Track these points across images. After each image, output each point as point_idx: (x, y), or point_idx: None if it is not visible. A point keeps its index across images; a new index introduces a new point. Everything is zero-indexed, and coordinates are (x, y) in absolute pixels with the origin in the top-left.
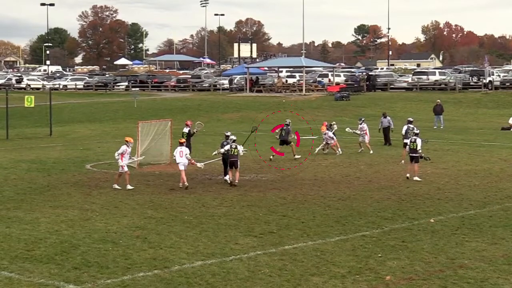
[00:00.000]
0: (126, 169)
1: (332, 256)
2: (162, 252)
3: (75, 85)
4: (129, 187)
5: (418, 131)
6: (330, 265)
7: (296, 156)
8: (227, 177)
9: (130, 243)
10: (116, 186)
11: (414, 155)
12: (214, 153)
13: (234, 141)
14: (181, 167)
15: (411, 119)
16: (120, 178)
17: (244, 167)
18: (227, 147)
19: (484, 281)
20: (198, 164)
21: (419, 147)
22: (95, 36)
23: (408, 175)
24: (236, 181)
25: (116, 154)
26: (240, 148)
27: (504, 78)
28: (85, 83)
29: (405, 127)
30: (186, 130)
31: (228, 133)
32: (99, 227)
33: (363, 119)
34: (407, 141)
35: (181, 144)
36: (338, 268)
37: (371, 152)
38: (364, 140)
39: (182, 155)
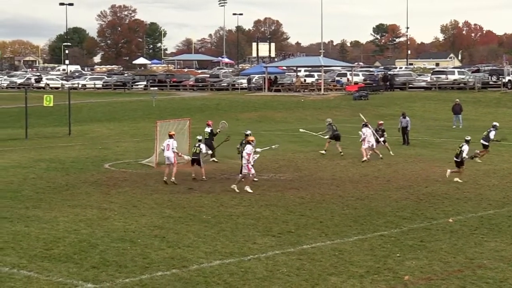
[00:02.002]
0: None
1: (350, 255)
2: (180, 251)
3: (94, 84)
4: (172, 179)
5: (469, 138)
6: (348, 264)
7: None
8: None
9: (149, 242)
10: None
11: (456, 160)
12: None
13: (199, 140)
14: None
15: (496, 124)
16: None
17: (262, 167)
18: (200, 147)
19: (504, 281)
20: (185, 157)
21: (464, 154)
22: (114, 36)
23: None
24: (203, 177)
25: (174, 149)
26: (203, 147)
27: None
28: (103, 82)
29: (492, 132)
30: (208, 129)
31: (248, 132)
32: (117, 226)
33: (364, 122)
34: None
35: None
36: (356, 267)
37: (381, 156)
38: (364, 147)
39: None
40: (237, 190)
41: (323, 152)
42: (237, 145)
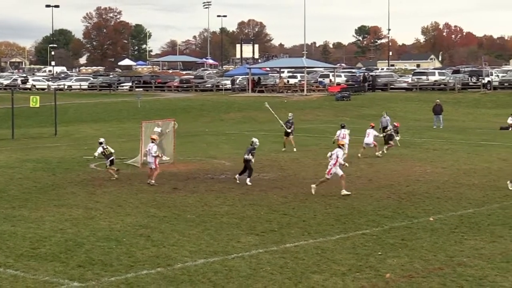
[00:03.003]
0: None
1: (332, 254)
2: (165, 250)
3: (80, 85)
4: (152, 181)
5: None
6: (330, 263)
7: (294, 149)
8: (237, 176)
9: (134, 241)
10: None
11: None
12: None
13: (101, 143)
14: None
15: None
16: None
17: None
18: (99, 150)
19: (483, 278)
20: (164, 158)
21: None
22: (99, 37)
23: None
24: (115, 176)
25: (153, 153)
26: (100, 148)
27: (503, 78)
28: (89, 83)
29: None
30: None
31: (255, 140)
32: (103, 225)
33: (343, 124)
34: None
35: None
36: (338, 266)
37: (379, 153)
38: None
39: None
40: (313, 192)
41: (294, 149)
42: (246, 154)
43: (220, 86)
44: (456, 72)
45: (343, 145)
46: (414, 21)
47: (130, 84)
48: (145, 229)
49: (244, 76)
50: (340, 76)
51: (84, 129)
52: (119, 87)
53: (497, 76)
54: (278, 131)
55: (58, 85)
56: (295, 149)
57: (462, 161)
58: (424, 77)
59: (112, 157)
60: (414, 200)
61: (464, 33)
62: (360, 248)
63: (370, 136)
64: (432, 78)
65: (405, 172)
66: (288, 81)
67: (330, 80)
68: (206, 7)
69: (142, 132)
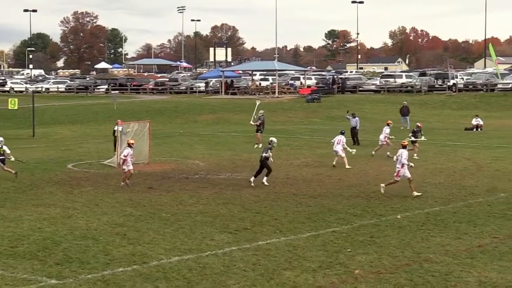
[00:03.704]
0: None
1: (303, 251)
2: (140, 248)
3: (57, 88)
4: (122, 184)
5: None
6: (301, 259)
7: (260, 146)
8: (252, 179)
9: (110, 240)
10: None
11: None
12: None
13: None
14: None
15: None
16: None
17: (220, 167)
18: None
19: (449, 274)
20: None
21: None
22: (76, 41)
23: None
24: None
25: (122, 156)
26: (6, 148)
27: (467, 81)
28: (66, 86)
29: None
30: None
31: (273, 139)
32: (80, 224)
33: (342, 131)
34: None
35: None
36: (309, 262)
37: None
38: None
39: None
40: (382, 191)
41: (259, 146)
42: (264, 152)
43: (194, 88)
44: (423, 74)
45: (406, 145)
46: (382, 26)
47: (106, 86)
48: (121, 228)
49: (218, 79)
50: (310, 78)
51: (62, 131)
52: (95, 90)
53: (462, 78)
54: (251, 132)
55: (36, 87)
56: (260, 145)
57: (429, 160)
58: (391, 80)
59: (3, 157)
60: (382, 198)
61: (430, 37)
62: (330, 246)
63: (382, 134)
64: (399, 81)
65: (374, 172)
66: (260, 84)
67: (301, 83)
68: (181, 12)
69: (117, 129)
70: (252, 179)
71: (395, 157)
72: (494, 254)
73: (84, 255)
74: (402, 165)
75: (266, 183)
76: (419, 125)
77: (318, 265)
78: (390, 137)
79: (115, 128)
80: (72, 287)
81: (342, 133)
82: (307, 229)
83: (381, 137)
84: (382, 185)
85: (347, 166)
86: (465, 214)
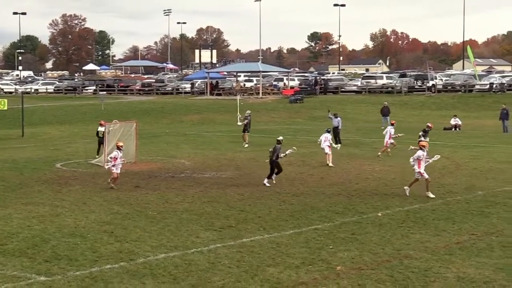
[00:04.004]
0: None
1: (287, 248)
2: (127, 246)
3: (46, 89)
4: (111, 185)
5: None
6: (285, 256)
7: (244, 145)
8: (265, 181)
9: (98, 237)
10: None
11: None
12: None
13: None
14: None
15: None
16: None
17: (204, 166)
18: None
19: (428, 270)
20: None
21: None
22: (65, 43)
23: None
24: None
25: (109, 158)
26: None
27: (446, 82)
28: (55, 87)
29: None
30: (102, 129)
31: (279, 138)
32: (68, 222)
33: (328, 129)
34: None
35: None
36: (292, 259)
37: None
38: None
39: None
40: (407, 193)
41: (247, 145)
42: (270, 149)
43: (180, 89)
44: (403, 76)
45: (424, 146)
46: (363, 28)
47: (94, 87)
48: (108, 226)
49: (203, 80)
50: (293, 80)
51: (50, 131)
52: (83, 91)
53: (441, 79)
54: (235, 132)
55: (25, 88)
56: (246, 145)
57: (408, 159)
58: (372, 81)
59: None
60: (364, 196)
61: (410, 39)
62: (313, 242)
63: (387, 134)
64: (380, 82)
65: (355, 171)
66: (244, 85)
67: (284, 84)
68: (167, 15)
69: (105, 128)
70: (266, 181)
71: (411, 159)
72: (472, 250)
73: (72, 253)
74: (419, 165)
75: (267, 184)
76: (430, 125)
77: (301, 261)
78: (399, 135)
79: (99, 129)
80: (61, 284)
81: (328, 131)
82: (290, 226)
83: (386, 137)
84: (406, 187)
85: (330, 164)
86: (443, 212)
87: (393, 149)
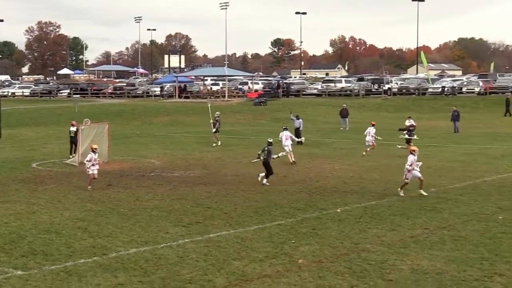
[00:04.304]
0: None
1: (251, 242)
2: (100, 241)
3: (22, 92)
4: (89, 188)
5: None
6: (249, 250)
7: (218, 144)
8: (264, 181)
9: (72, 233)
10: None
11: None
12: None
13: None
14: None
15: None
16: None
17: (173, 165)
18: None
19: (384, 262)
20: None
21: None
22: (40, 49)
23: None
24: None
25: (85, 161)
26: None
27: (401, 85)
28: (31, 90)
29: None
30: (73, 129)
31: (270, 140)
32: (44, 219)
33: (285, 127)
34: None
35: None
36: (256, 253)
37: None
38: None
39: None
40: (401, 194)
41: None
42: (259, 151)
43: (150, 92)
44: (361, 80)
45: (415, 151)
46: (323, 35)
47: (68, 91)
48: (82, 222)
49: (172, 84)
50: (257, 83)
51: (27, 132)
52: (58, 94)
53: (396, 83)
54: (204, 133)
55: (2, 92)
56: (219, 143)
57: (366, 158)
58: (332, 84)
59: None
60: (324, 193)
61: (368, 45)
62: (276, 237)
63: (368, 135)
64: (339, 85)
65: (316, 169)
66: (211, 88)
67: (249, 87)
68: (138, 22)
69: (80, 129)
70: (264, 181)
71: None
72: (425, 244)
73: (48, 248)
74: (409, 170)
75: (267, 184)
76: (414, 124)
77: (264, 255)
78: (378, 138)
79: (70, 129)
80: (37, 278)
81: (286, 129)
82: (255, 222)
83: (368, 138)
84: (399, 189)
85: (292, 159)
86: (399, 208)
87: (351, 150)
